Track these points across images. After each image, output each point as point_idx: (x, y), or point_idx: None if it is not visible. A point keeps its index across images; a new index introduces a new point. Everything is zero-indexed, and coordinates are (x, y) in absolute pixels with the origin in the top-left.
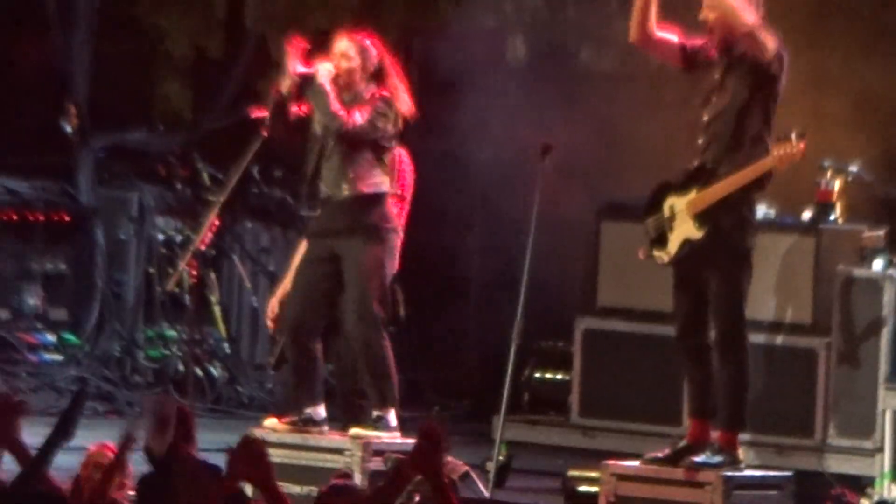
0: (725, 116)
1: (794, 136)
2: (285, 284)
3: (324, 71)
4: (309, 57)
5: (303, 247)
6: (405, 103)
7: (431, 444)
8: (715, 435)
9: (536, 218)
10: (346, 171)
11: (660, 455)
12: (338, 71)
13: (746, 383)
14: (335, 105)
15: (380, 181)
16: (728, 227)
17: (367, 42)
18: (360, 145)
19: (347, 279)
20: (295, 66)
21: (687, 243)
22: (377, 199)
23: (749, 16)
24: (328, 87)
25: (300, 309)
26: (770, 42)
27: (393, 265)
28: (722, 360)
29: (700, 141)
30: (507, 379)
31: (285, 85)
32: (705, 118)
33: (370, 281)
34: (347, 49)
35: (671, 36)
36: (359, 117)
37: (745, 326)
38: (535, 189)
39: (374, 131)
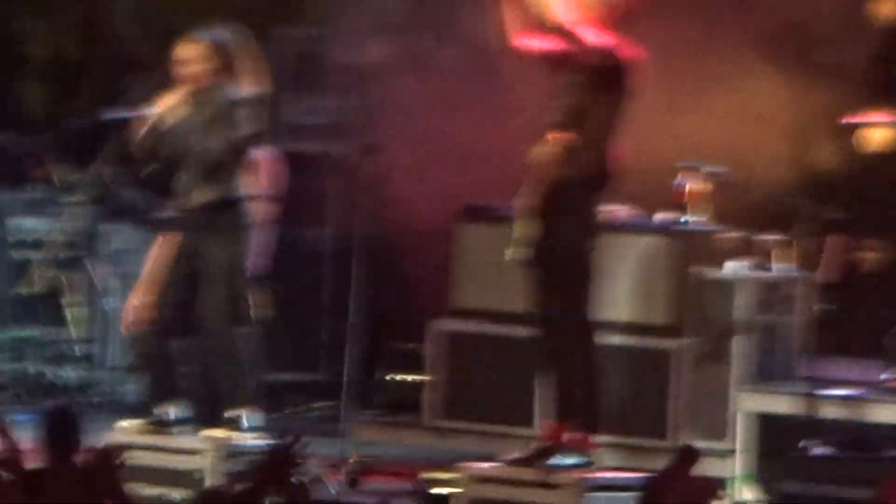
0: (558, 115)
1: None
2: (141, 286)
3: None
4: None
5: (160, 245)
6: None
7: (280, 460)
8: (569, 436)
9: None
10: (206, 176)
11: (515, 457)
12: (180, 79)
13: (598, 385)
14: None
15: (238, 183)
16: (554, 228)
17: (211, 40)
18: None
19: (206, 278)
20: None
21: (523, 242)
22: (236, 201)
23: (560, 11)
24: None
25: (159, 306)
26: (589, 37)
27: (247, 264)
28: (572, 362)
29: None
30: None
31: (144, 126)
32: (547, 119)
33: (227, 280)
34: (186, 56)
35: (541, 42)
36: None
37: (592, 327)
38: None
39: (244, 145)
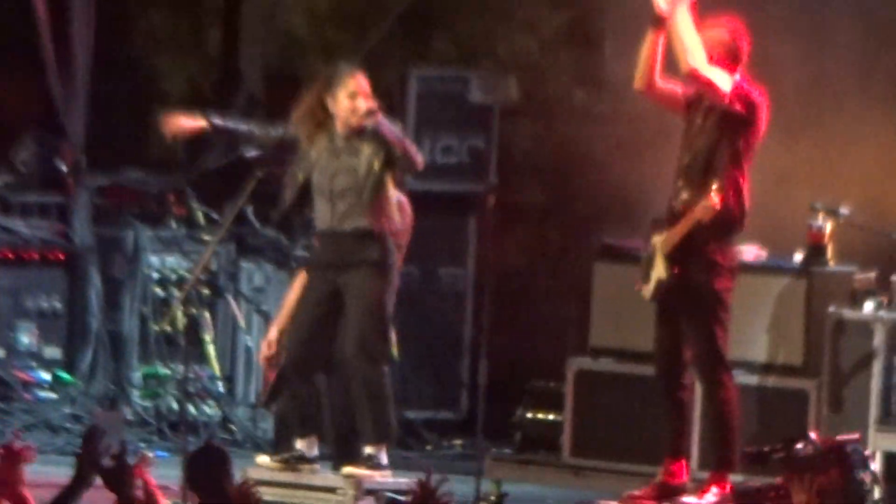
0: (699, 159)
1: (714, 188)
2: (278, 323)
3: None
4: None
5: (300, 281)
6: None
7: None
8: (706, 475)
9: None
10: (363, 205)
11: (638, 493)
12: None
13: (733, 424)
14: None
15: (390, 215)
16: (694, 269)
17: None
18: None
19: (350, 313)
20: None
21: (661, 283)
22: (383, 233)
23: (692, 59)
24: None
25: (303, 341)
26: (725, 83)
27: (392, 301)
28: (706, 401)
29: (678, 183)
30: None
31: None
32: (685, 161)
33: (373, 315)
34: (365, 85)
35: (674, 86)
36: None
37: (724, 367)
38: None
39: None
